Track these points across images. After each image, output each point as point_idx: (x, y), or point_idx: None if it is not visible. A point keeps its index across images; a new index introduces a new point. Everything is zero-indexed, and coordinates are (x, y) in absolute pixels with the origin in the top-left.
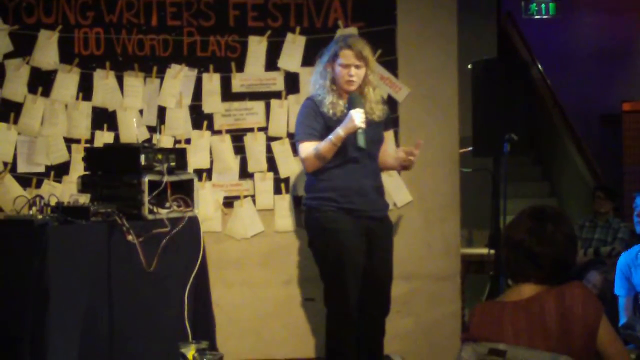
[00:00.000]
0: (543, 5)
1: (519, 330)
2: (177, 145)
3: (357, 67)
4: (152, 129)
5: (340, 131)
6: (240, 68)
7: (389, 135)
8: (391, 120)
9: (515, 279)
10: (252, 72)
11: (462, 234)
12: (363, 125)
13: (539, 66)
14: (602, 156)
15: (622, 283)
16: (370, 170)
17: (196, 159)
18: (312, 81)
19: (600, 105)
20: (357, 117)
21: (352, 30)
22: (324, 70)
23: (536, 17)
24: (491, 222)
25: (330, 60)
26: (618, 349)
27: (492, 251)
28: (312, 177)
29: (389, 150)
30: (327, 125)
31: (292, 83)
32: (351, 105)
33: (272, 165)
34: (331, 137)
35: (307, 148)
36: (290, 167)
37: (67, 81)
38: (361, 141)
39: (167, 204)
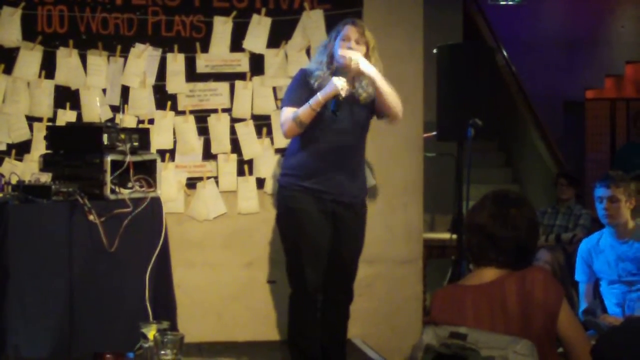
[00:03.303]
0: None
1: (480, 314)
2: (140, 125)
3: (357, 42)
4: (115, 109)
5: (319, 96)
6: (205, 49)
7: None
8: None
9: (477, 263)
10: (217, 53)
11: (424, 219)
12: (342, 93)
13: (504, 52)
14: (565, 143)
15: (583, 269)
16: (346, 153)
17: (159, 140)
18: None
19: (563, 93)
20: (338, 83)
21: (318, 12)
22: (324, 48)
23: (502, 3)
24: (454, 207)
25: (332, 39)
26: (578, 334)
27: (455, 236)
28: (288, 155)
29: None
30: (312, 96)
31: (257, 64)
32: (335, 74)
33: (235, 146)
34: (310, 102)
35: (287, 113)
36: (254, 149)
37: (29, 59)
38: (336, 106)
39: (130, 184)
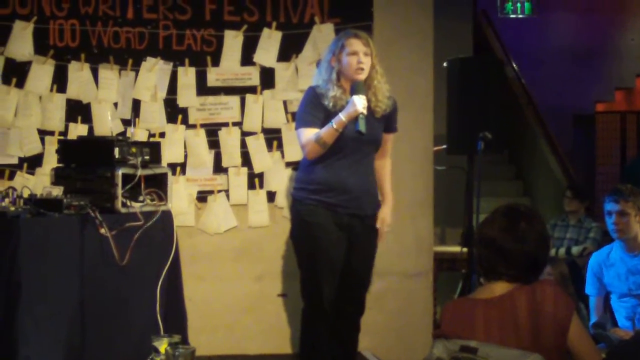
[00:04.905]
0: (519, 5)
1: (491, 328)
2: (152, 139)
3: (365, 54)
4: (126, 122)
5: (342, 116)
6: (216, 62)
7: (387, 138)
8: (394, 123)
9: (488, 276)
10: (228, 67)
11: (435, 232)
12: (364, 111)
13: (514, 65)
14: (575, 156)
15: (593, 283)
16: (360, 167)
17: (170, 153)
18: (314, 79)
19: (574, 106)
20: (359, 102)
21: (329, 26)
22: (329, 66)
23: (512, 16)
24: (464, 221)
25: (336, 54)
26: (589, 347)
27: (465, 249)
28: (302, 169)
29: (385, 154)
30: (326, 116)
31: (267, 78)
32: (353, 92)
33: (246, 160)
34: (332, 122)
35: (308, 134)
36: (264, 163)
37: (41, 73)
38: (362, 126)
39: (141, 198)
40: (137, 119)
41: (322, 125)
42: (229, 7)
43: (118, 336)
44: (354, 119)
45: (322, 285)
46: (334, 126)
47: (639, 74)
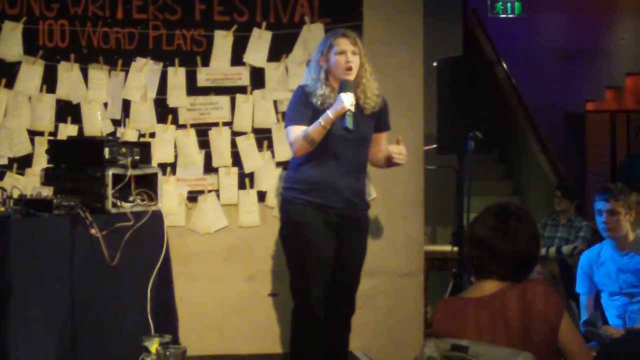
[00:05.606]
0: (509, 5)
1: (482, 327)
2: (142, 139)
3: (353, 53)
4: (116, 123)
5: (329, 113)
6: (206, 62)
7: (381, 138)
8: (386, 121)
9: (478, 275)
10: (218, 67)
11: (425, 231)
12: (352, 109)
13: (504, 65)
14: (566, 155)
15: (584, 281)
16: (350, 167)
17: (160, 153)
18: (303, 78)
19: (564, 105)
20: (347, 99)
21: (319, 25)
22: (317, 65)
23: (502, 16)
24: (455, 220)
25: (324, 53)
26: (579, 346)
27: (456, 249)
28: (291, 168)
29: (382, 150)
30: (315, 114)
31: (257, 78)
32: (341, 89)
33: (236, 160)
34: (320, 120)
35: (296, 132)
36: (254, 162)
37: (31, 73)
38: (349, 123)
39: (131, 198)
40: (127, 119)
41: (310, 123)
42: (219, 7)
43: (109, 336)
44: (342, 116)
45: (311, 284)
46: (322, 123)
47: (629, 73)
